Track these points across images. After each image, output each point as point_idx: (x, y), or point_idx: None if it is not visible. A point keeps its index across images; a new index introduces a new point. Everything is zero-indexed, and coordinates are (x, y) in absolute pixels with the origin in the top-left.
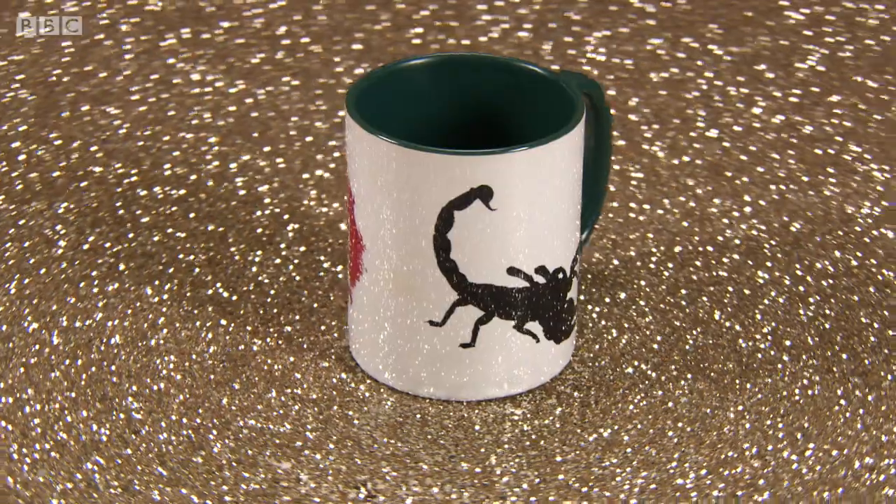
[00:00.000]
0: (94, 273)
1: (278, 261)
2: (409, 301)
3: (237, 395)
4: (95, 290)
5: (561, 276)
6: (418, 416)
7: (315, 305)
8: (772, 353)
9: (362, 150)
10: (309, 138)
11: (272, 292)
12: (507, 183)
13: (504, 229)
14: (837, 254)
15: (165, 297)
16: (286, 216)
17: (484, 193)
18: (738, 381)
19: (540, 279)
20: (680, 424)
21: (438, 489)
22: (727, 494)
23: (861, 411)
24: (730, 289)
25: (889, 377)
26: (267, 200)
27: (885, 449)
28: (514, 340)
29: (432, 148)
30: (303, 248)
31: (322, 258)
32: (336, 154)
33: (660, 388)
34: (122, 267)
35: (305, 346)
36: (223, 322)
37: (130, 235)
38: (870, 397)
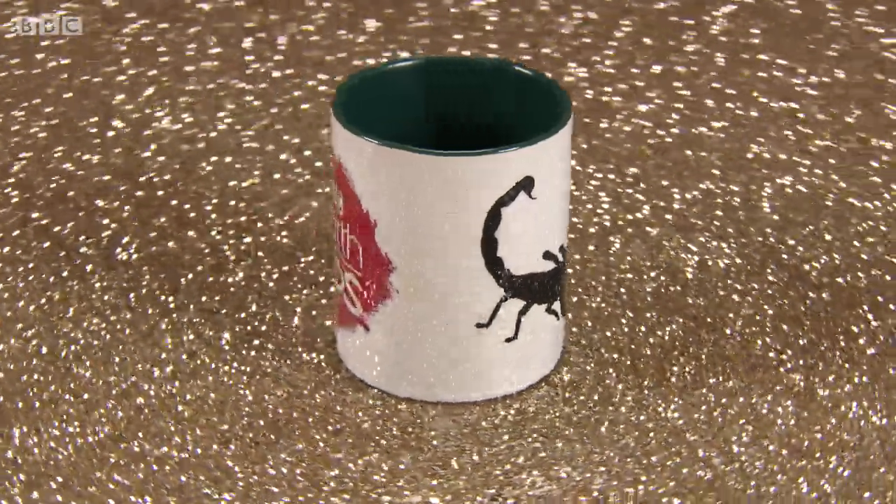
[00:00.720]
0: (49, 377)
1: (206, 318)
2: (454, 309)
3: (301, 449)
4: (66, 395)
5: (567, 250)
6: (482, 421)
7: (289, 348)
8: (729, 281)
9: (386, 173)
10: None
11: (227, 347)
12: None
13: (540, 217)
14: (688, 181)
15: (147, 383)
16: (174, 272)
17: (528, 184)
18: (721, 313)
19: (560, 257)
20: (703, 363)
21: (567, 476)
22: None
23: (828, 309)
24: (629, 231)
25: (836, 278)
26: (135, 258)
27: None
28: (543, 324)
29: (458, 152)
30: (218, 297)
31: (248, 303)
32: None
33: (662, 336)
34: (73, 363)
35: (316, 388)
36: (211, 386)
37: (43, 328)
38: (824, 295)
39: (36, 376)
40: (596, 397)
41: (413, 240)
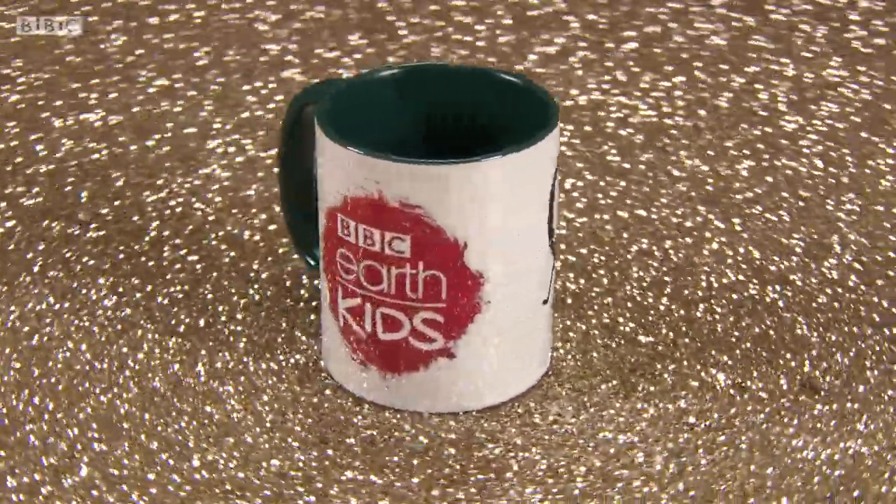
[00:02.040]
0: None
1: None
2: (533, 295)
3: (494, 480)
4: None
5: None
6: (563, 391)
7: (315, 402)
8: (691, 253)
9: (475, 190)
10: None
11: (234, 399)
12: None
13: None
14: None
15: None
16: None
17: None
18: (697, 277)
19: None
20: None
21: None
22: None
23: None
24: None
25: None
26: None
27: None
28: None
29: (519, 146)
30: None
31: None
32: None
33: (645, 301)
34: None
35: (382, 428)
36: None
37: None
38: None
39: None
40: (620, 359)
41: (501, 245)
